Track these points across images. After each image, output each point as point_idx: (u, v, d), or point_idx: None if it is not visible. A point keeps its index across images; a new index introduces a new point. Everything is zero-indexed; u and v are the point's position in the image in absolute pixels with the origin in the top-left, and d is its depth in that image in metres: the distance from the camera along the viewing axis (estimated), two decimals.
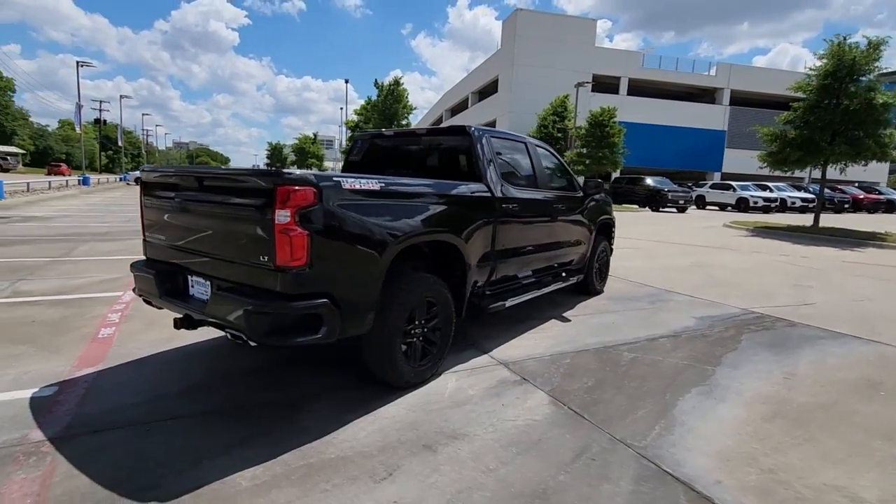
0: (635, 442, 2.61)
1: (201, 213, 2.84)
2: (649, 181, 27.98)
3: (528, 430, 2.70)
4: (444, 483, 2.20)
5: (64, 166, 60.39)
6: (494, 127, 42.50)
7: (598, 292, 6.09)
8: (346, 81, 32.67)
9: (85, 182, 31.60)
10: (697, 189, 32.43)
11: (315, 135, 61.78)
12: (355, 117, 29.37)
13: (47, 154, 76.86)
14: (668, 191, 26.66)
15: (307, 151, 49.37)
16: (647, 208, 27.36)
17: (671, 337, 4.49)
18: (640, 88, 42.10)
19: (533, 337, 4.35)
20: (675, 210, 26.71)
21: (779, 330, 4.82)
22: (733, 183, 30.34)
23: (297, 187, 2.39)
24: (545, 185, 4.78)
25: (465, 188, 3.59)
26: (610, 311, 5.38)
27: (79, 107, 42.24)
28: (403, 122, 26.59)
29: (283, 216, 2.37)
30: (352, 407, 2.90)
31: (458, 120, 54.28)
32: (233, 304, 2.49)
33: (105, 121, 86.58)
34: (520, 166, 4.55)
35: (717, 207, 30.30)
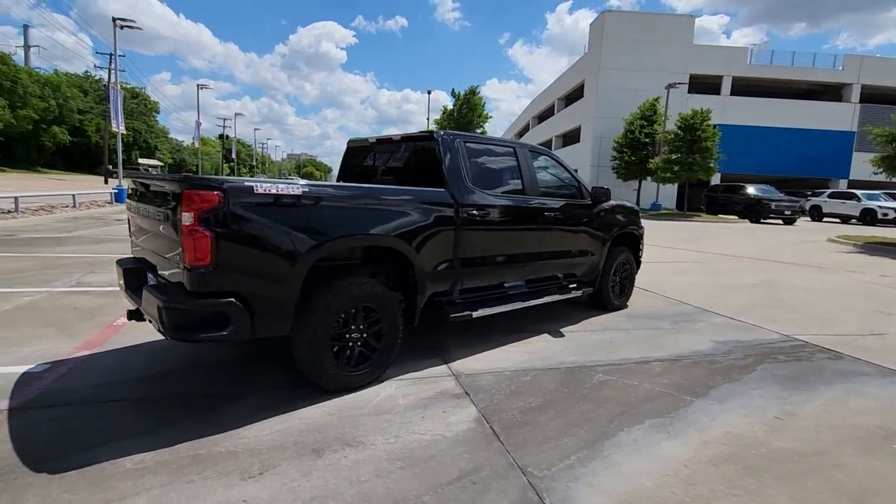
0: (535, 471, 2.38)
1: (146, 215, 3.12)
2: (750, 189, 25.23)
3: (429, 446, 2.58)
4: (304, 489, 2.18)
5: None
6: (580, 133, 41.03)
7: (618, 307, 5.63)
8: (429, 92, 33.78)
9: None
10: (812, 198, 28.60)
11: None
12: (434, 127, 30.12)
13: (182, 166, 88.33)
14: (771, 200, 23.82)
15: None
16: (746, 220, 24.69)
17: (669, 361, 4.02)
18: (747, 87, 38.19)
19: (510, 350, 4.14)
20: (780, 222, 23.81)
21: (813, 362, 4.11)
22: (858, 192, 26.30)
23: (200, 191, 2.53)
24: (536, 192, 4.54)
25: (417, 194, 3.54)
26: (618, 328, 4.95)
27: (198, 124, 48.10)
28: (479, 131, 26.68)
29: (187, 218, 2.53)
30: (276, 404, 2.98)
31: (543, 127, 53.30)
32: (153, 300, 2.69)
33: (227, 136, 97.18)
34: (502, 173, 4.37)
35: (837, 220, 26.48)
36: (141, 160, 73.37)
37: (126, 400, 3.02)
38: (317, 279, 3.03)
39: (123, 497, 2.09)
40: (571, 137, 44.66)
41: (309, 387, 3.20)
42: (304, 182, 2.93)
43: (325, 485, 2.22)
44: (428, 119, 30.26)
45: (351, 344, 3.19)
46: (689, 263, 9.80)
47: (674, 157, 26.16)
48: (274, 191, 2.77)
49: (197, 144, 53.58)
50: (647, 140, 30.31)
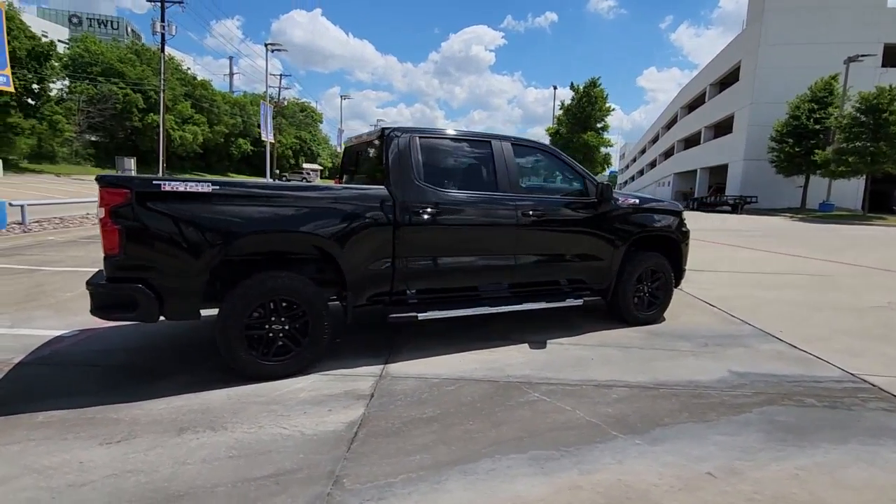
0: (348, 483, 2.23)
1: None
2: None
3: (277, 441, 2.59)
4: (133, 460, 2.37)
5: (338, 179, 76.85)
6: (732, 123, 35.90)
7: (643, 321, 4.87)
8: (555, 88, 32.71)
9: None
10: None
11: None
12: (555, 123, 28.72)
13: (338, 169, 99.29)
14: None
15: None
16: None
17: (640, 388, 3.39)
18: None
19: (466, 357, 3.88)
20: None
21: (853, 412, 3.10)
22: None
23: (110, 189, 2.90)
24: (515, 188, 4.16)
25: (347, 192, 3.53)
26: (620, 345, 4.30)
27: (340, 131, 53.49)
28: (599, 126, 24.80)
29: (100, 213, 2.91)
30: (198, 384, 3.24)
31: (692, 118, 47.81)
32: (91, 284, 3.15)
33: None
34: (469, 169, 4.11)
35: None
36: (305, 165, 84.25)
37: (99, 366, 3.57)
38: (227, 271, 3.24)
39: (7, 443, 2.51)
40: (723, 128, 39.35)
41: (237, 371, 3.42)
42: (215, 179, 3.15)
43: (152, 460, 2.38)
44: (553, 116, 29.22)
45: (271, 335, 3.34)
46: (802, 276, 7.99)
47: (851, 146, 21.31)
48: (181, 188, 3.03)
49: (340, 150, 60.04)
50: (816, 127, 25.21)
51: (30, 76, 27.77)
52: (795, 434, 2.79)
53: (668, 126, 58.52)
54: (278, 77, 55.65)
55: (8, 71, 10.57)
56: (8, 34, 27.02)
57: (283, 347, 3.38)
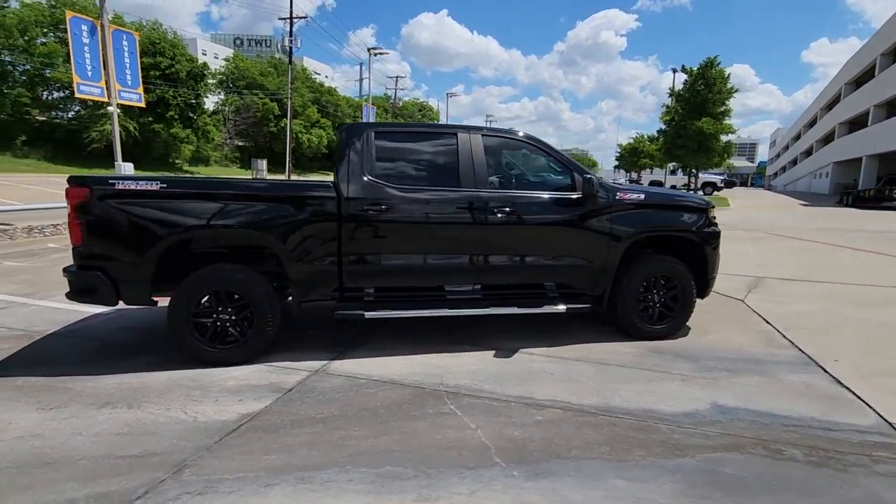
0: (187, 473, 2.29)
1: None
2: None
3: (165, 425, 2.74)
4: (48, 426, 2.69)
5: None
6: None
7: (649, 336, 4.21)
8: (674, 71, 29.39)
9: None
10: None
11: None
12: (663, 110, 25.51)
13: None
14: None
15: (641, 151, 46.82)
16: None
17: (578, 412, 2.94)
18: None
19: (416, 360, 3.73)
20: None
21: (846, 474, 2.36)
22: None
23: (75, 187, 3.31)
24: (482, 184, 3.85)
25: (293, 188, 3.59)
26: (600, 360, 3.77)
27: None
28: (719, 110, 21.38)
29: (68, 208, 3.34)
30: (157, 364, 3.57)
31: (858, 96, 39.84)
32: None
33: None
34: (429, 163, 3.90)
35: None
36: None
37: (99, 341, 4.12)
38: (176, 262, 3.50)
39: None
40: None
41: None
42: (165, 177, 3.42)
43: (59, 428, 2.67)
44: (671, 96, 26.18)
45: (218, 324, 3.55)
46: None
47: None
48: (132, 187, 3.35)
49: None
50: None
51: (189, 93, 32.90)
52: (729, 494, 2.20)
53: (829, 107, 49.59)
54: (395, 80, 58.57)
55: (140, 90, 12.80)
56: (171, 59, 32.51)
57: (228, 336, 3.57)
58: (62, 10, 25.40)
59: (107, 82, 11.52)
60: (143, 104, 13.85)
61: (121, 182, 3.37)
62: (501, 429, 2.73)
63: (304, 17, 34.17)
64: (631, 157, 50.47)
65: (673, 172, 22.70)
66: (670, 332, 4.28)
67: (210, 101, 43.50)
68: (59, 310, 4.85)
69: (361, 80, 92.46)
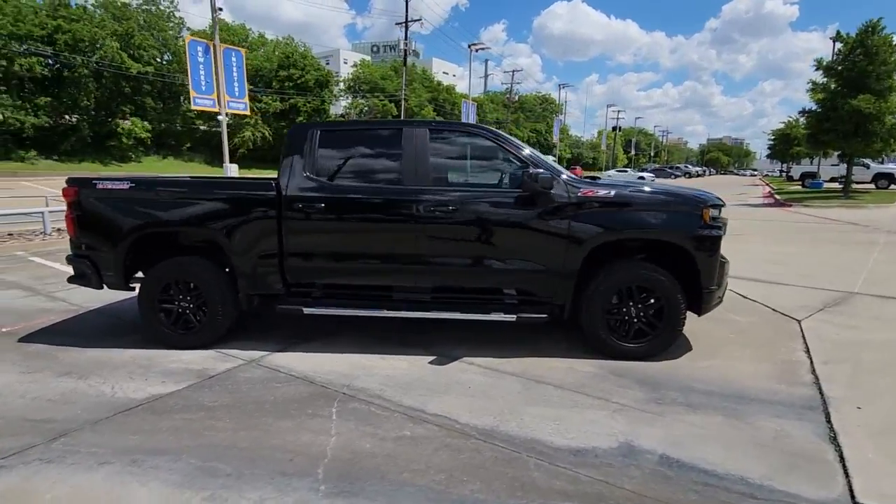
0: (31, 442, 2.58)
1: None
2: None
3: (78, 395, 3.09)
4: (6, 389, 3.23)
5: (578, 169, 75.37)
6: None
7: (620, 355, 3.63)
8: (834, 40, 24.15)
9: None
10: None
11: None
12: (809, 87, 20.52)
13: (578, 160, 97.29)
14: None
15: (793, 137, 39.57)
16: None
17: (456, 433, 2.67)
18: None
19: (349, 359, 3.69)
20: None
21: None
22: None
23: (68, 187, 3.89)
24: (426, 181, 3.65)
25: (238, 186, 3.77)
26: (534, 378, 3.37)
27: (559, 120, 52.25)
28: (884, 87, 16.69)
29: (66, 205, 3.95)
30: (144, 342, 4.06)
31: None
32: None
33: (620, 127, 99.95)
34: (372, 161, 3.80)
35: None
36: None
37: (122, 319, 4.80)
38: (145, 254, 3.92)
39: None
40: None
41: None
42: (132, 177, 3.85)
43: (13, 390, 3.19)
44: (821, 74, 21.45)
45: (179, 310, 3.91)
46: None
47: None
48: (109, 186, 3.84)
49: (604, 147, 59.35)
50: None
51: (316, 100, 36.39)
52: None
53: None
54: (511, 73, 57.98)
55: (246, 99, 14.57)
56: (301, 70, 36.23)
57: (185, 322, 3.91)
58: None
59: (217, 95, 13.42)
60: (248, 112, 15.79)
61: (101, 182, 3.89)
62: (357, 440, 2.60)
63: (418, 20, 35.53)
64: (782, 145, 43.33)
65: (844, 161, 18.58)
66: (650, 352, 3.64)
67: (340, 106, 47.64)
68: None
69: (486, 76, 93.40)
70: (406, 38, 35.54)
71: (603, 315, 3.63)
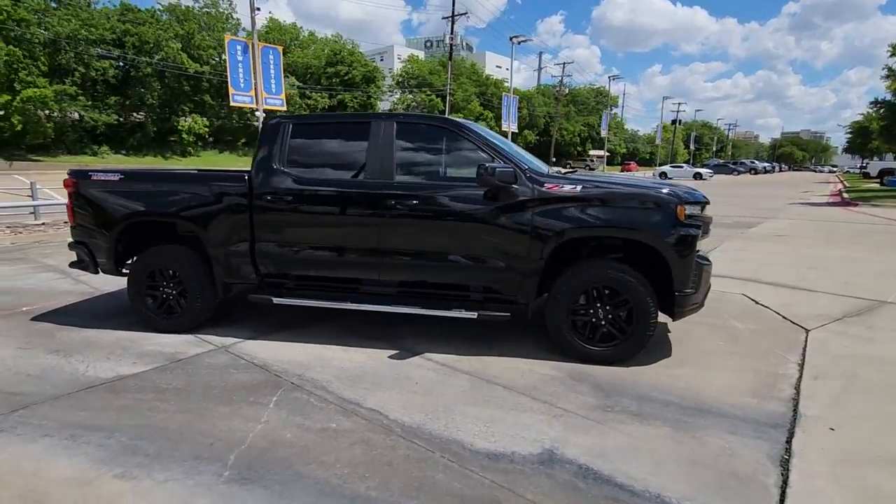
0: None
1: None
2: None
3: (53, 371, 3.32)
4: (8, 363, 3.54)
5: (633, 164, 72.58)
6: None
7: (586, 358, 3.47)
8: None
9: None
10: None
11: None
12: None
13: (634, 154, 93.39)
14: None
15: (872, 131, 35.84)
16: None
17: (380, 428, 2.65)
18: None
19: (313, 350, 3.75)
20: None
21: None
22: None
23: (68, 178, 4.18)
24: (388, 175, 3.63)
25: (215, 178, 3.90)
26: (491, 379, 3.28)
27: (608, 114, 50.63)
28: None
29: (68, 196, 4.25)
30: (134, 325, 4.33)
31: None
32: None
33: (680, 121, 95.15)
34: (340, 154, 3.81)
35: None
36: (592, 152, 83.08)
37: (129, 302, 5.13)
38: (135, 241, 4.15)
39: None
40: None
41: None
42: (122, 169, 4.07)
43: (8, 364, 3.47)
44: None
45: (164, 296, 4.12)
46: None
47: None
48: (103, 178, 4.09)
49: (658, 141, 57.92)
50: None
51: (363, 96, 37.16)
52: None
53: None
54: (562, 66, 56.58)
55: (283, 96, 15.09)
56: (349, 66, 37.09)
57: (169, 307, 4.11)
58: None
59: (255, 91, 14.01)
60: (284, 108, 16.33)
61: (95, 174, 4.15)
62: (282, 429, 2.64)
63: (464, 14, 35.36)
64: (860, 140, 39.52)
65: None
66: (617, 357, 3.45)
67: (388, 102, 48.42)
68: None
69: (540, 68, 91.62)
70: (451, 33, 35.45)
71: (568, 316, 3.48)
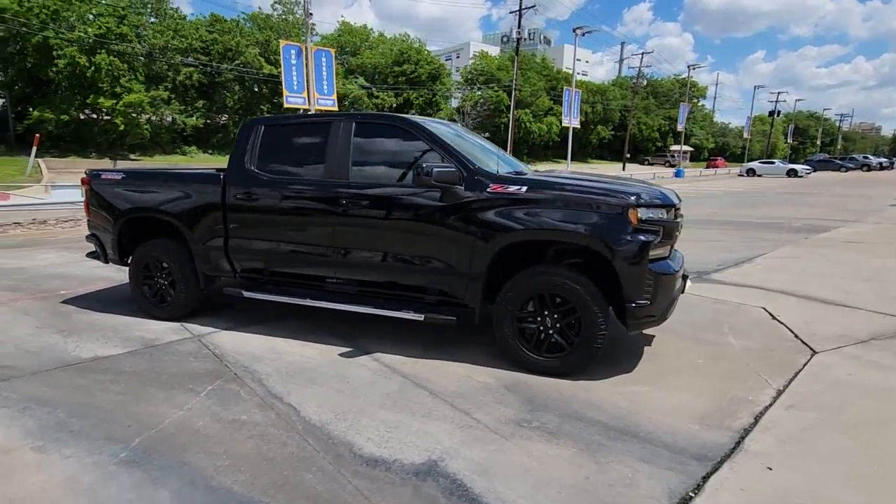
0: None
1: None
2: None
3: (45, 350, 3.73)
4: (20, 341, 4.03)
5: (720, 160, 67.29)
6: None
7: (537, 369, 3.29)
8: None
9: (678, 174, 35.71)
10: None
11: None
12: None
13: (724, 149, 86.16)
14: None
15: None
16: None
17: (280, 423, 2.69)
18: None
19: (275, 343, 3.90)
20: None
21: None
22: None
23: (84, 177, 4.66)
24: (343, 175, 3.68)
25: (196, 177, 4.17)
26: (423, 384, 3.21)
27: (684, 105, 48.15)
28: None
29: (84, 192, 4.74)
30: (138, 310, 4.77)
31: None
32: None
33: (779, 112, 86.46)
34: (302, 155, 3.92)
35: None
36: (674, 147, 77.84)
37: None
38: (135, 235, 4.54)
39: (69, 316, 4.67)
40: None
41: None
42: (125, 169, 4.47)
43: (20, 341, 3.94)
44: None
45: (157, 286, 4.48)
46: None
47: None
48: (108, 177, 4.52)
49: (747, 135, 55.37)
50: None
51: (428, 93, 37.67)
52: None
53: None
54: (640, 56, 53.55)
55: (335, 96, 15.66)
56: (415, 65, 37.67)
57: (161, 296, 4.47)
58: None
59: (308, 93, 14.71)
60: (335, 107, 16.95)
61: (104, 174, 4.60)
62: (197, 417, 2.77)
63: (532, 7, 34.55)
64: None
65: None
66: (564, 369, 3.24)
67: (457, 98, 48.68)
68: None
69: (621, 60, 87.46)
70: (519, 27, 34.87)
71: (514, 323, 3.32)
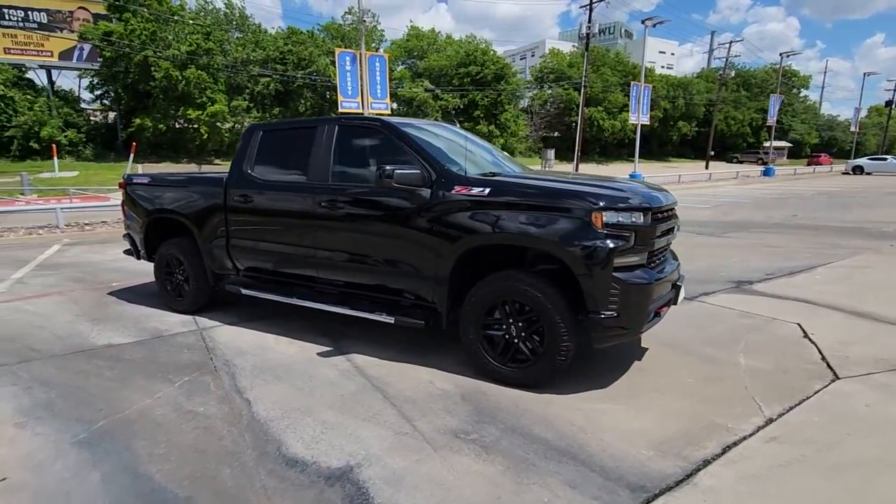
0: None
1: None
2: None
3: (74, 336, 4.16)
4: (58, 323, 4.56)
5: (825, 157, 60.67)
6: None
7: (502, 378, 3.16)
8: None
9: (767, 173, 32.50)
10: None
11: None
12: None
13: (830, 145, 77.40)
14: None
15: None
16: None
17: (233, 422, 2.80)
18: None
19: (264, 338, 4.07)
20: None
21: None
22: None
23: (122, 181, 5.16)
24: (324, 178, 3.76)
25: (203, 180, 4.46)
26: (380, 387, 3.19)
27: (857, 110, 43.98)
28: None
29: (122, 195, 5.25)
30: (159, 305, 5.20)
31: None
32: None
33: None
34: (291, 159, 4.03)
35: None
36: (767, 143, 70.99)
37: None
38: (158, 234, 4.95)
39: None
40: None
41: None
42: (151, 174, 4.88)
43: (58, 323, 4.46)
44: None
45: (175, 282, 4.86)
46: None
47: None
48: (138, 181, 4.97)
49: (853, 129, 50.58)
50: None
51: (493, 94, 37.42)
52: None
53: None
54: (727, 45, 49.47)
55: (388, 100, 15.97)
56: (480, 66, 37.47)
57: (179, 291, 4.83)
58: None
59: (362, 97, 15.15)
60: (388, 111, 17.27)
61: (136, 177, 5.06)
62: (160, 406, 2.97)
63: (601, 1, 33.15)
64: None
65: None
66: (529, 380, 3.08)
67: (527, 98, 47.93)
68: None
69: (711, 50, 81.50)
70: (589, 21, 33.62)
71: (479, 329, 3.21)
